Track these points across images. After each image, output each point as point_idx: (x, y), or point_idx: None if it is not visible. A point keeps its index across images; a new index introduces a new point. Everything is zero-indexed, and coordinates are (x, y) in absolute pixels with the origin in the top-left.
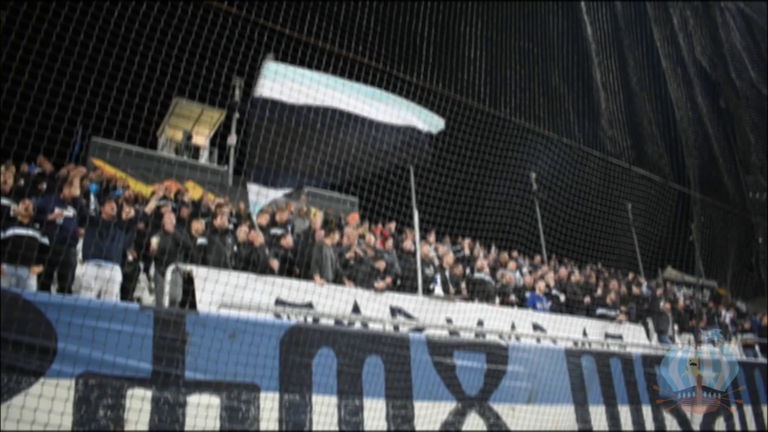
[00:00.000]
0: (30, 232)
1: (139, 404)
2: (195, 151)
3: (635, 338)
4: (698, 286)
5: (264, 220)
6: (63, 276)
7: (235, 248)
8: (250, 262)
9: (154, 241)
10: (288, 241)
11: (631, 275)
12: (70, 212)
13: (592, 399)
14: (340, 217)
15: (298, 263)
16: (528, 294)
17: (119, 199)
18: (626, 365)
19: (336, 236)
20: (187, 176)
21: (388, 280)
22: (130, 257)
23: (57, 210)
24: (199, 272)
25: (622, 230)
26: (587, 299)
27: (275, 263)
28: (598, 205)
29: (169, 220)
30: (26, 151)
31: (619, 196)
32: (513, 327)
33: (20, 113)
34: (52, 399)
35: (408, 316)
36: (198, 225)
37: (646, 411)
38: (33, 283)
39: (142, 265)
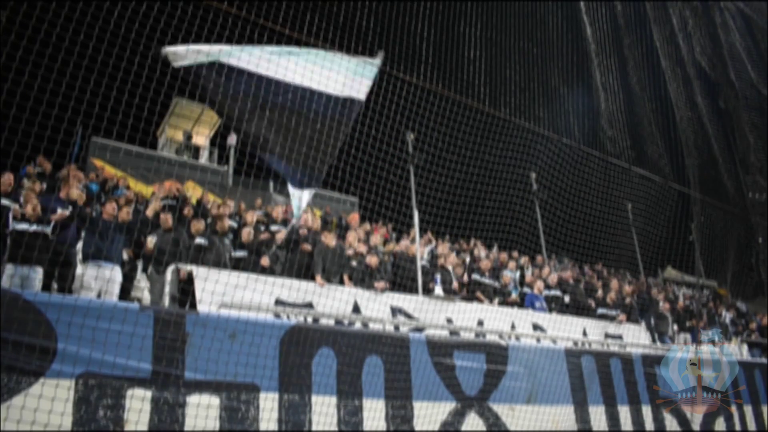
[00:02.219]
0: (34, 227)
1: (139, 404)
2: (195, 151)
3: (635, 338)
4: (698, 286)
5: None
6: (63, 276)
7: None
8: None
9: (151, 240)
10: (281, 235)
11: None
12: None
13: (592, 399)
14: (341, 217)
15: (298, 260)
16: (527, 291)
17: (120, 199)
18: (626, 365)
19: (335, 236)
20: (187, 176)
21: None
22: (125, 256)
23: (60, 210)
24: (199, 272)
25: (622, 230)
26: (591, 302)
27: (266, 260)
28: (598, 205)
29: (166, 220)
30: (26, 151)
31: (619, 196)
32: (513, 327)
33: (20, 113)
34: (52, 399)
35: (408, 316)
36: (198, 225)
37: (646, 411)
38: (38, 282)
39: (140, 265)
